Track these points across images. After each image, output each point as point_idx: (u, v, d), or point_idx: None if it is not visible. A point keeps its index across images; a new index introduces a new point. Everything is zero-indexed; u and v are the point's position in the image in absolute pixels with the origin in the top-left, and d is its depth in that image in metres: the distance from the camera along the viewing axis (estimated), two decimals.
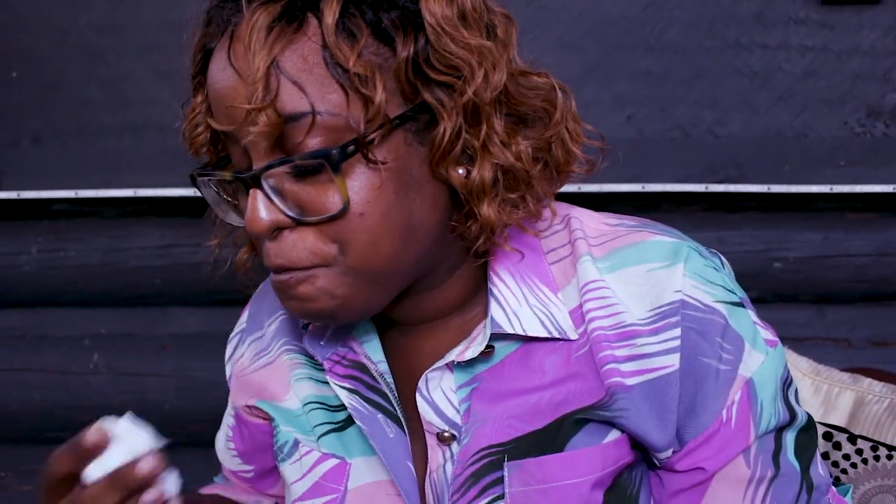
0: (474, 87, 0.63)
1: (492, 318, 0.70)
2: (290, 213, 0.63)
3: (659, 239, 0.71)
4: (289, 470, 0.81)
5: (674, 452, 0.70)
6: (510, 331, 0.70)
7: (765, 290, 1.75)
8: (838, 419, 1.10)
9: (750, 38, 1.75)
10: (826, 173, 1.70)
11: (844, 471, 1.06)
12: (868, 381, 1.16)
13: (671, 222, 1.76)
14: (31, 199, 1.81)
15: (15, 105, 1.83)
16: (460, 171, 0.65)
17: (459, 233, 0.69)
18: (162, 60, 1.80)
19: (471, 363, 0.72)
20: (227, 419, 0.93)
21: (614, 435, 0.70)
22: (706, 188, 1.69)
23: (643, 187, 1.63)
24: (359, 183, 0.62)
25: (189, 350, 1.84)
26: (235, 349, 0.91)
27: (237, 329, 0.92)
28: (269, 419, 0.85)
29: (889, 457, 1.03)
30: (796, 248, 1.75)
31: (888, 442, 1.04)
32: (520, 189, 0.68)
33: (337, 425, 0.79)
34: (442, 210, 0.68)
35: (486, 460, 0.71)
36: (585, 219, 0.74)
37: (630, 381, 0.68)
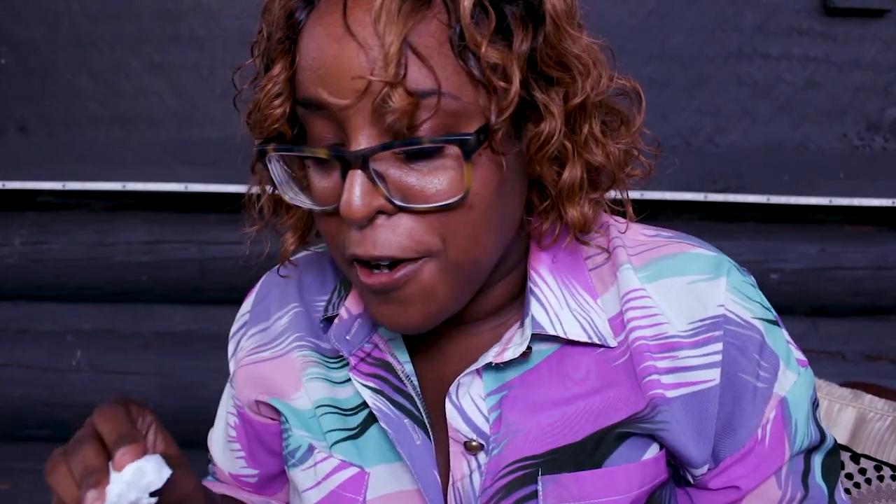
0: (586, 88, 0.62)
1: (533, 317, 0.67)
2: (393, 200, 0.59)
3: (699, 252, 0.70)
4: (300, 476, 0.77)
5: (708, 470, 0.69)
6: (551, 332, 0.67)
7: None
8: (840, 436, 1.08)
9: (752, 48, 1.74)
10: (825, 185, 1.69)
11: (848, 490, 1.04)
12: (869, 397, 1.14)
13: None
14: (15, 190, 1.77)
15: (3, 93, 1.79)
16: (553, 168, 0.64)
17: (529, 230, 0.69)
18: (155, 52, 1.77)
19: (502, 369, 0.69)
20: (228, 419, 0.87)
21: (653, 452, 0.68)
22: (706, 197, 1.67)
23: (642, 195, 1.61)
24: (479, 173, 0.60)
25: (174, 348, 1.80)
26: (238, 344, 0.84)
27: (239, 322, 0.85)
28: (276, 419, 0.81)
29: (893, 477, 1.01)
30: (793, 259, 1.73)
31: (892, 461, 1.02)
32: (602, 189, 0.68)
33: (351, 432, 0.75)
34: (523, 205, 0.67)
35: (519, 473, 0.68)
36: (624, 227, 0.73)
37: (670, 394, 0.67)
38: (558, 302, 0.69)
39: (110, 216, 1.80)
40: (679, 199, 1.67)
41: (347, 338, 0.73)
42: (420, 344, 0.74)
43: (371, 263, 0.61)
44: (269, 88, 0.62)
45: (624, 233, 0.72)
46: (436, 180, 0.59)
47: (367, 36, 0.57)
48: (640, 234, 0.73)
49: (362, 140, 0.58)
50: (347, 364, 0.75)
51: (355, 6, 0.58)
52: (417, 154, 0.59)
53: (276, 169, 0.64)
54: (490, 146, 0.60)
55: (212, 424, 0.91)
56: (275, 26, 0.62)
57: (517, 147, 0.63)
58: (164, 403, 1.78)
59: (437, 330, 0.70)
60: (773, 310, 0.70)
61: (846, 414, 1.12)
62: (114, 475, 0.57)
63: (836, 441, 0.72)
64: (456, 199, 0.59)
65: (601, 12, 1.71)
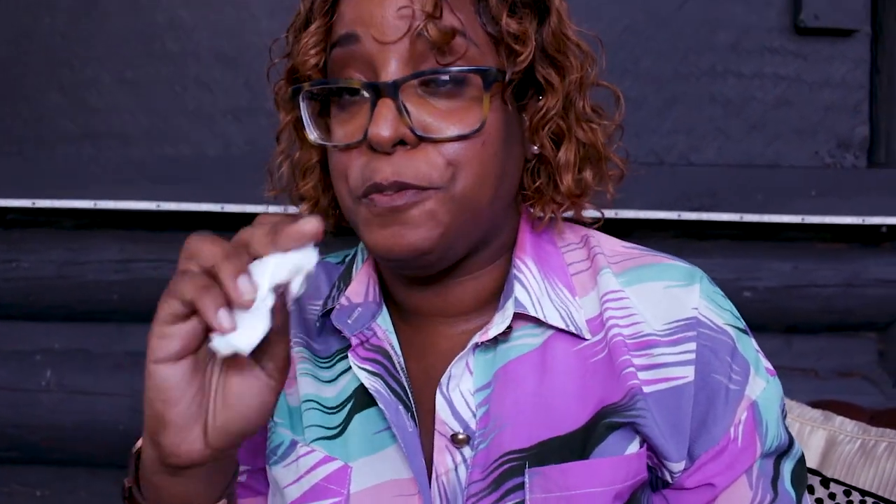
0: (581, 70, 0.73)
1: (515, 297, 0.73)
2: (416, 130, 0.67)
3: (674, 262, 0.77)
4: (281, 473, 0.78)
5: (685, 469, 0.72)
6: (532, 313, 0.72)
7: None
8: (810, 460, 1.09)
9: (724, 67, 1.75)
10: (797, 204, 1.70)
11: None
12: (840, 419, 1.15)
13: None
14: None
15: None
16: (550, 143, 0.74)
17: (519, 211, 0.77)
18: (127, 68, 1.76)
19: (491, 359, 0.73)
20: None
21: (635, 447, 0.72)
22: (679, 216, 1.68)
23: (616, 213, 1.62)
24: (491, 114, 0.69)
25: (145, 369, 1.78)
26: None
27: None
28: None
29: (862, 502, 1.02)
30: (766, 277, 1.75)
31: (861, 486, 1.02)
32: (588, 168, 0.76)
33: (331, 431, 0.76)
34: (519, 175, 0.75)
35: (506, 466, 0.71)
36: (603, 239, 0.80)
37: (647, 389, 0.71)
38: (540, 289, 0.74)
39: (81, 234, 1.78)
40: (653, 217, 1.67)
41: (349, 321, 0.77)
42: (407, 338, 0.78)
43: (382, 188, 0.68)
44: (307, 40, 0.72)
45: (598, 243, 0.79)
46: (454, 116, 0.68)
47: None
48: (618, 246, 0.79)
49: (392, 73, 0.67)
50: (335, 365, 0.78)
51: None
52: (440, 88, 0.68)
53: (306, 107, 0.72)
54: (502, 88, 0.69)
55: None
56: None
57: (520, 119, 0.73)
58: (136, 425, 1.75)
59: (425, 324, 0.77)
60: (742, 319, 0.76)
61: (817, 436, 1.13)
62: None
63: (803, 452, 0.76)
64: (473, 129, 0.67)
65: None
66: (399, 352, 0.76)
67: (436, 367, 0.75)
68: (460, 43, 0.67)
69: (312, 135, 0.73)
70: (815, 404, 1.23)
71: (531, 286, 0.74)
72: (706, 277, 0.76)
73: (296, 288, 0.55)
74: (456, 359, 0.73)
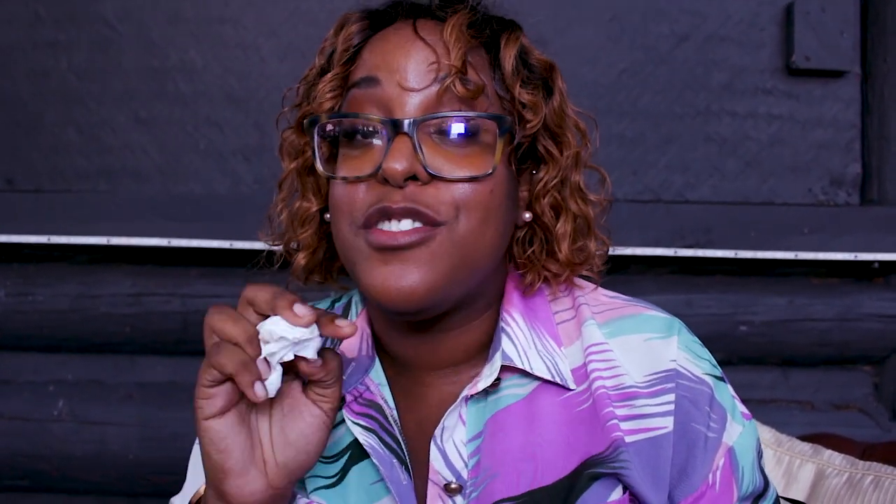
0: (578, 149, 0.78)
1: (503, 350, 0.76)
2: (428, 168, 0.70)
3: (653, 314, 0.80)
4: None
5: None
6: (519, 365, 0.76)
7: (731, 353, 1.78)
8: (798, 492, 1.12)
9: (720, 106, 1.80)
10: (791, 240, 1.75)
11: None
12: (828, 453, 1.18)
13: (640, 284, 1.80)
14: (1, 242, 1.79)
15: None
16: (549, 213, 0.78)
17: (506, 271, 0.80)
18: (141, 108, 1.82)
19: (481, 409, 0.76)
20: None
21: (618, 494, 0.74)
22: (675, 252, 1.72)
23: (613, 250, 1.66)
24: (499, 169, 0.73)
25: (155, 400, 1.82)
26: None
27: None
28: None
29: None
30: (762, 311, 1.78)
31: None
32: (581, 239, 0.80)
33: (329, 480, 0.79)
34: (510, 236, 0.79)
35: None
36: (587, 289, 0.83)
37: (629, 439, 0.74)
38: (527, 341, 0.78)
39: (95, 269, 1.83)
40: (649, 254, 1.71)
41: (343, 377, 0.78)
42: (401, 391, 0.80)
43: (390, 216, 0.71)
44: (324, 86, 0.76)
45: (583, 294, 0.82)
46: (466, 160, 0.72)
47: (436, 41, 0.73)
48: (601, 296, 0.83)
49: (411, 113, 0.71)
50: None
51: (422, 26, 0.74)
52: (455, 136, 0.72)
53: (319, 142, 0.76)
54: (509, 142, 0.74)
55: None
56: (343, 40, 0.77)
57: (517, 184, 0.78)
58: (145, 454, 1.80)
59: (416, 377, 0.80)
60: (719, 367, 0.80)
61: (806, 470, 1.16)
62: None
63: (778, 495, 0.80)
64: (484, 172, 0.71)
65: (576, 72, 1.78)
66: (392, 405, 0.78)
67: (429, 418, 0.78)
68: (481, 101, 0.72)
69: (321, 166, 0.75)
70: (807, 438, 1.26)
71: (518, 338, 0.77)
72: (684, 328, 0.80)
73: (311, 355, 0.66)
74: (449, 411, 0.75)
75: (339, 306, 0.87)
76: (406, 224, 0.70)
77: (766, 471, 0.80)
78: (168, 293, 1.79)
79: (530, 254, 0.79)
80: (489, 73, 0.75)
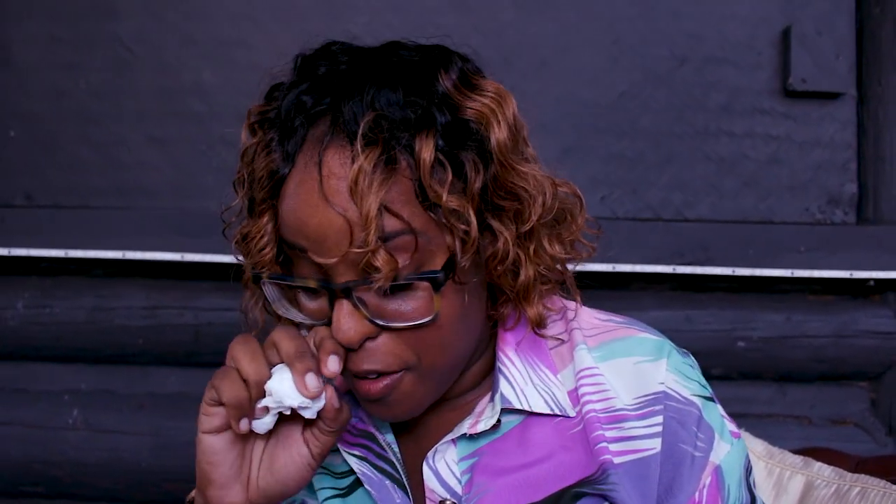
0: (533, 214, 0.72)
1: (502, 394, 0.78)
2: (376, 321, 0.70)
3: (644, 336, 0.82)
4: None
5: None
6: (518, 406, 0.78)
7: (730, 368, 1.81)
8: (788, 503, 1.15)
9: (718, 126, 1.84)
10: (788, 258, 1.78)
11: None
12: (818, 465, 1.21)
13: (640, 300, 1.83)
14: (20, 256, 1.84)
15: (10, 164, 1.89)
16: (509, 275, 0.74)
17: (494, 320, 0.80)
18: (155, 127, 1.87)
19: (475, 438, 0.79)
20: None
21: None
22: (674, 269, 1.76)
23: (613, 268, 1.70)
24: (446, 299, 0.71)
25: (167, 410, 1.86)
26: None
27: None
28: None
29: None
30: (760, 328, 1.81)
31: None
32: (552, 283, 0.79)
33: (340, 491, 0.82)
34: (485, 307, 0.78)
35: None
36: (580, 312, 0.84)
37: (618, 460, 0.77)
38: (524, 379, 0.80)
39: (110, 282, 1.88)
40: (649, 271, 1.75)
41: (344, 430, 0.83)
42: None
43: (360, 376, 0.73)
44: (258, 239, 0.73)
45: (575, 316, 0.83)
46: (409, 305, 0.70)
47: (344, 203, 0.67)
48: (593, 318, 0.85)
49: (345, 275, 0.69)
50: None
51: (330, 175, 0.68)
52: (397, 287, 0.69)
53: (269, 290, 0.75)
54: (455, 278, 0.70)
55: None
56: (258, 184, 0.73)
57: (478, 260, 0.74)
58: (157, 463, 1.84)
59: None
60: (709, 387, 0.82)
61: (795, 481, 1.19)
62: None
63: None
64: (426, 319, 0.70)
65: (576, 93, 1.82)
66: (385, 430, 0.82)
67: (426, 441, 0.81)
68: (407, 240, 0.67)
69: (280, 310, 0.75)
70: (802, 452, 1.29)
71: (515, 378, 0.79)
72: (675, 350, 0.81)
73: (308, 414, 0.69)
74: (442, 440, 0.79)
75: None
76: (375, 378, 0.72)
77: (754, 487, 0.82)
78: (181, 306, 1.84)
79: (506, 308, 0.79)
80: (413, 193, 0.68)
